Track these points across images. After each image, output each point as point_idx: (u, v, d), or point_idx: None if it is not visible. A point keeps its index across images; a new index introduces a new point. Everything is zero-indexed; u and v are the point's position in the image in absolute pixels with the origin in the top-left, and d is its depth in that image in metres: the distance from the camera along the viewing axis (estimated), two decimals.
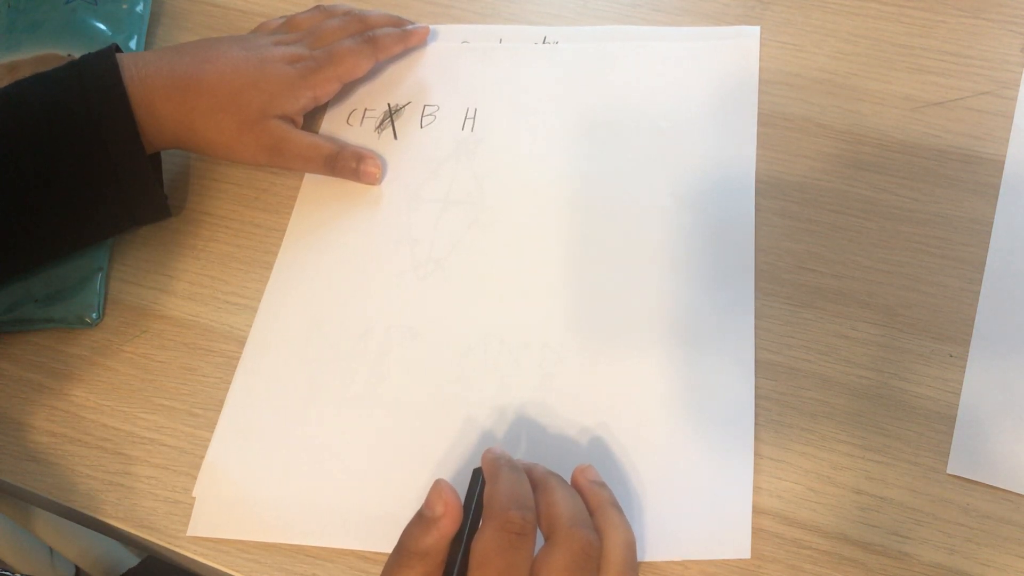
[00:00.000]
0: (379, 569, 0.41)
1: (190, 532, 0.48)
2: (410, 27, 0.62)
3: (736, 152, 0.56)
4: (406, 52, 0.63)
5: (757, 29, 0.60)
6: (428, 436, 0.50)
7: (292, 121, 0.57)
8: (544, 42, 0.62)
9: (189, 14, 0.68)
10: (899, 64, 0.58)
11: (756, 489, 0.46)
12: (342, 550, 0.46)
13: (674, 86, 0.58)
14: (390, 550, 0.39)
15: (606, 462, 0.47)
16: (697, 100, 0.58)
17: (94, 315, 0.55)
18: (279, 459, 0.49)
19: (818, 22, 0.60)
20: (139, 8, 0.67)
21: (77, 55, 0.59)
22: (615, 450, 0.48)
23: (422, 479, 0.48)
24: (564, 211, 0.55)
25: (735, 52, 0.60)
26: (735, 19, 0.61)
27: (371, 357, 0.52)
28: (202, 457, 0.50)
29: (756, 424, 0.47)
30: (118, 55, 0.53)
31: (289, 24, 0.61)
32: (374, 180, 0.58)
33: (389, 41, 0.61)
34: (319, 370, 0.52)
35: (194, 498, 0.49)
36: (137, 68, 0.53)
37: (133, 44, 0.65)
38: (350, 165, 0.57)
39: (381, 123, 0.61)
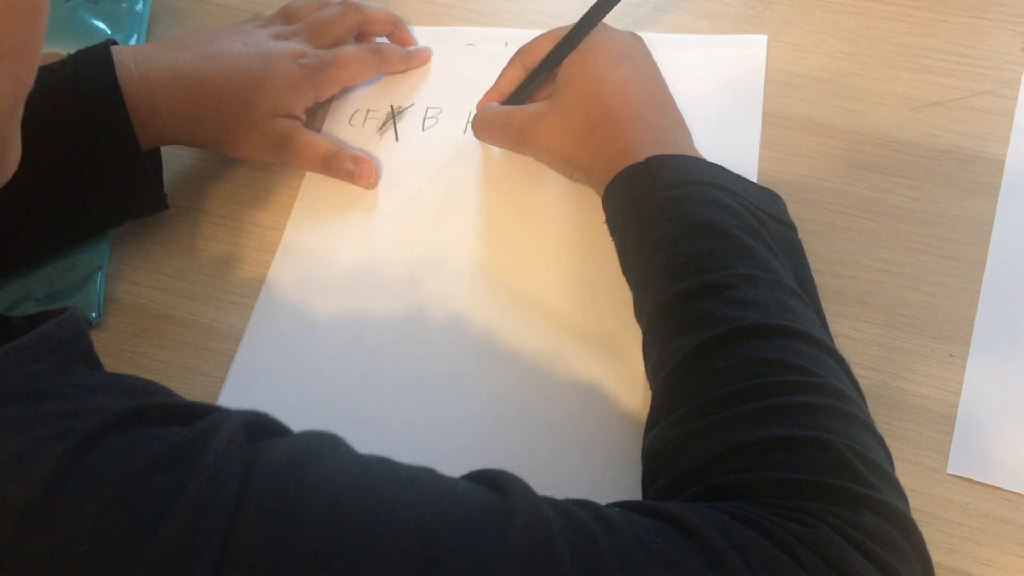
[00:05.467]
0: None
1: None
2: (413, 48, 0.63)
3: (741, 156, 0.55)
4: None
5: (764, 38, 0.60)
6: (421, 438, 0.49)
7: (296, 118, 0.57)
8: None
9: (189, 13, 0.68)
10: (900, 64, 0.58)
11: None
12: None
13: (679, 91, 0.57)
14: None
15: (605, 465, 0.47)
16: (702, 105, 0.57)
17: (94, 314, 0.55)
18: None
19: (819, 22, 0.60)
20: (139, 7, 0.66)
21: None
22: (614, 453, 0.47)
23: None
24: (565, 216, 0.55)
25: (742, 60, 0.59)
26: (736, 19, 0.61)
27: (364, 359, 0.52)
28: None
29: None
30: (115, 47, 0.53)
31: (285, 13, 0.60)
32: (368, 184, 0.58)
33: (393, 57, 0.62)
34: (312, 371, 0.52)
35: None
36: (137, 65, 0.53)
37: (133, 43, 0.65)
38: (346, 167, 0.57)
39: (383, 124, 0.61)
